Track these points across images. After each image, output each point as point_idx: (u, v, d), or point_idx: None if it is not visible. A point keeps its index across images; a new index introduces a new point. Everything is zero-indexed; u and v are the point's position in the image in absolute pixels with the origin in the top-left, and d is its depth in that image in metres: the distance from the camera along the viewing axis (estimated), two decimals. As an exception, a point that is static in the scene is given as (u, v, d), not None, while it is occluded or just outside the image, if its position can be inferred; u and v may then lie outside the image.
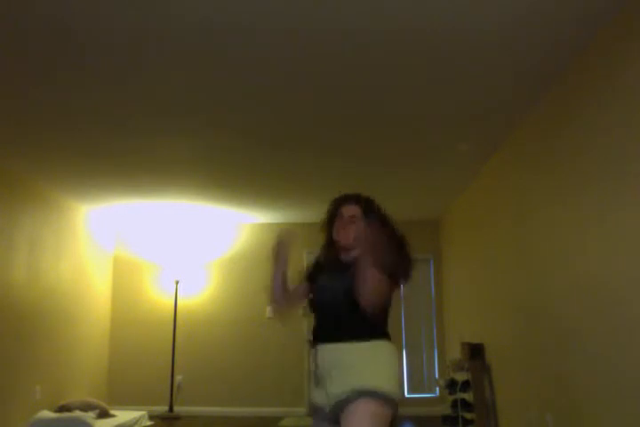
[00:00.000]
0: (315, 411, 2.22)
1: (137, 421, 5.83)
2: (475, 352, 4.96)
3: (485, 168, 4.92)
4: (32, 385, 5.26)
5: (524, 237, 3.99)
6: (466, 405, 5.03)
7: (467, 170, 5.08)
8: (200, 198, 6.10)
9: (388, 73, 3.21)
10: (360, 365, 2.10)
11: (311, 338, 2.32)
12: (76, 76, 3.23)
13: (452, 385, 5.26)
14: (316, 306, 2.36)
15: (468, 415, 5.05)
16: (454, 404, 5.15)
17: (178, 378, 6.87)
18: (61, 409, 5.40)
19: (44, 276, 5.49)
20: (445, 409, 5.55)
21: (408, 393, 6.96)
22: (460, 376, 5.19)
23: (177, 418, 6.56)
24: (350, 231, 2.32)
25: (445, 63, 3.08)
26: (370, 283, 2.10)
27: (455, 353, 5.84)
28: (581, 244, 3.04)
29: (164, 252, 7.22)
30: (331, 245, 2.41)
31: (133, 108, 3.72)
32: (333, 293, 2.27)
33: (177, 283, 7.01)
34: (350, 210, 2.36)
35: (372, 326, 2.21)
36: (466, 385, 4.98)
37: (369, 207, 2.37)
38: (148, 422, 6.07)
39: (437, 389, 6.83)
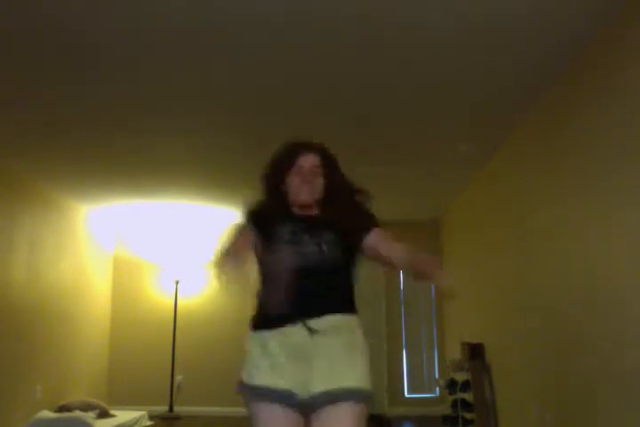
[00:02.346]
0: (265, 394, 1.81)
1: (137, 421, 5.82)
2: (475, 352, 4.95)
3: (486, 168, 4.92)
4: (32, 385, 5.25)
5: (525, 237, 3.99)
6: (466, 405, 5.03)
7: (467, 170, 5.08)
8: (200, 198, 6.10)
9: (388, 74, 3.21)
10: (349, 356, 1.82)
11: (271, 312, 1.86)
12: (75, 76, 3.23)
13: (452, 385, 5.26)
14: (282, 270, 1.84)
15: (468, 415, 5.04)
16: (454, 404, 5.15)
17: (178, 378, 6.87)
18: (61, 409, 5.39)
19: (44, 276, 5.49)
20: (445, 409, 5.55)
21: (408, 393, 6.96)
22: (460, 376, 5.18)
23: (177, 418, 6.56)
24: (315, 186, 2.01)
25: (445, 63, 3.08)
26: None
27: (455, 353, 5.84)
28: (582, 244, 3.04)
29: (163, 252, 7.22)
30: (278, 199, 2.03)
31: (133, 108, 3.71)
32: (315, 250, 1.89)
33: (177, 283, 7.00)
34: (310, 160, 2.05)
35: (352, 292, 1.99)
36: (466, 385, 4.98)
37: (330, 159, 2.08)
38: (148, 422, 6.06)
39: (437, 389, 6.83)
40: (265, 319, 1.92)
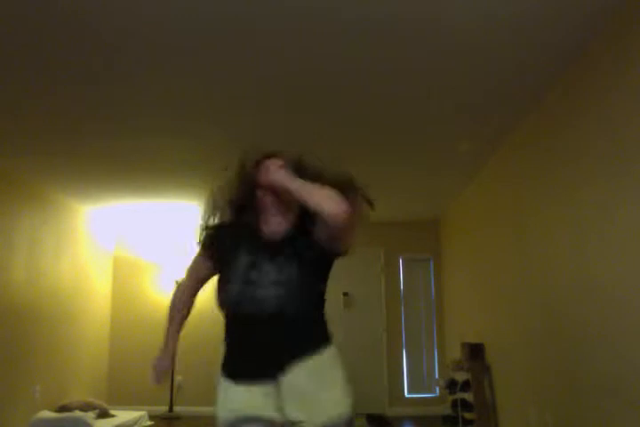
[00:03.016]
0: (248, 422, 1.71)
1: (137, 421, 5.83)
2: (475, 352, 4.96)
3: (485, 168, 4.93)
4: (32, 385, 5.25)
5: (524, 237, 3.99)
6: (466, 405, 5.03)
7: (467, 170, 5.08)
8: (200, 198, 6.09)
9: (387, 74, 3.20)
10: (326, 388, 1.73)
11: (238, 368, 1.76)
12: (75, 76, 3.23)
13: (451, 385, 5.26)
14: (243, 316, 1.75)
15: (468, 415, 5.05)
16: (454, 404, 5.15)
17: (178, 378, 6.87)
18: (61, 409, 5.39)
19: (43, 276, 5.49)
20: (445, 409, 5.55)
21: (408, 393, 6.96)
22: (460, 376, 5.19)
23: (177, 418, 6.56)
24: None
25: (445, 63, 3.08)
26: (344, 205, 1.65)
27: (455, 353, 5.84)
28: (581, 243, 3.04)
29: (163, 252, 7.22)
30: (243, 213, 1.90)
31: (133, 108, 3.71)
32: (275, 294, 1.72)
33: (177, 283, 7.00)
34: (273, 160, 1.90)
35: (324, 322, 1.82)
36: (466, 385, 4.98)
37: (299, 165, 1.92)
38: (148, 422, 6.07)
39: (437, 389, 6.84)
40: (231, 371, 1.80)
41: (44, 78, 3.26)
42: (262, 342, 1.73)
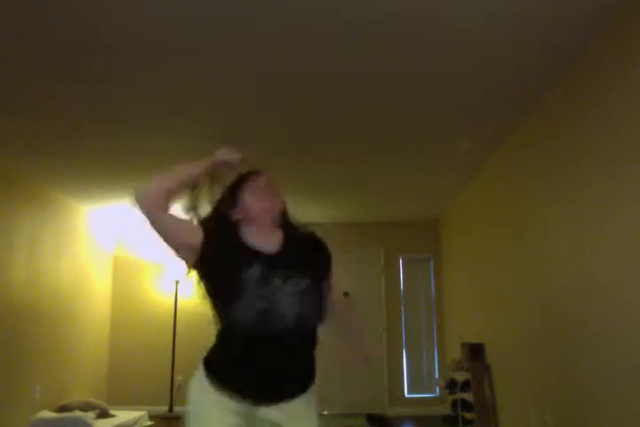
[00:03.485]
0: None
1: (137, 421, 5.82)
2: (475, 352, 4.95)
3: (485, 168, 4.92)
4: (32, 385, 5.25)
5: (524, 237, 3.99)
6: (466, 405, 5.03)
7: (467, 170, 5.08)
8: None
9: (387, 74, 3.20)
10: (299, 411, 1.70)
11: (228, 376, 1.71)
12: (75, 76, 3.23)
13: (451, 385, 5.26)
14: (251, 323, 1.66)
15: (468, 415, 5.04)
16: (454, 404, 5.15)
17: (178, 378, 6.86)
18: (61, 409, 5.39)
19: (43, 276, 5.49)
20: (445, 409, 5.55)
21: (408, 393, 6.96)
22: (460, 376, 5.18)
23: (177, 418, 6.56)
24: (277, 197, 1.77)
25: (445, 63, 3.08)
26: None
27: (455, 353, 5.84)
28: (581, 243, 3.04)
29: (163, 252, 7.20)
30: (227, 225, 1.75)
31: (133, 108, 3.71)
32: (293, 313, 1.62)
33: (177, 283, 7.00)
34: (265, 178, 1.82)
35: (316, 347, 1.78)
36: (466, 385, 4.98)
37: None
38: (148, 422, 6.06)
39: (437, 389, 6.84)
40: (220, 376, 1.74)
41: (44, 78, 3.26)
42: (272, 368, 1.64)
